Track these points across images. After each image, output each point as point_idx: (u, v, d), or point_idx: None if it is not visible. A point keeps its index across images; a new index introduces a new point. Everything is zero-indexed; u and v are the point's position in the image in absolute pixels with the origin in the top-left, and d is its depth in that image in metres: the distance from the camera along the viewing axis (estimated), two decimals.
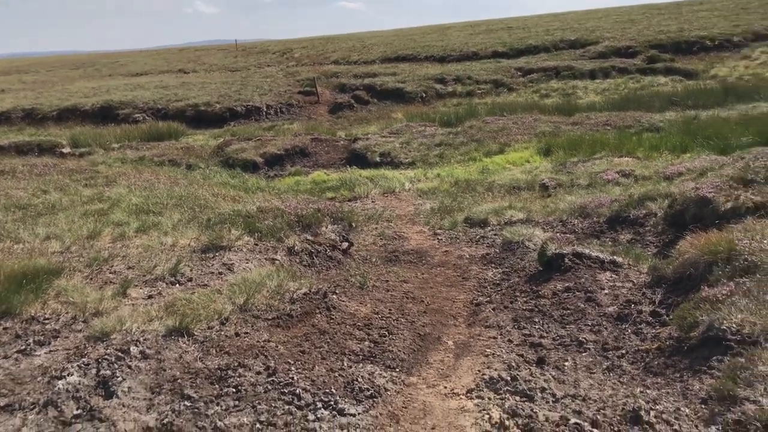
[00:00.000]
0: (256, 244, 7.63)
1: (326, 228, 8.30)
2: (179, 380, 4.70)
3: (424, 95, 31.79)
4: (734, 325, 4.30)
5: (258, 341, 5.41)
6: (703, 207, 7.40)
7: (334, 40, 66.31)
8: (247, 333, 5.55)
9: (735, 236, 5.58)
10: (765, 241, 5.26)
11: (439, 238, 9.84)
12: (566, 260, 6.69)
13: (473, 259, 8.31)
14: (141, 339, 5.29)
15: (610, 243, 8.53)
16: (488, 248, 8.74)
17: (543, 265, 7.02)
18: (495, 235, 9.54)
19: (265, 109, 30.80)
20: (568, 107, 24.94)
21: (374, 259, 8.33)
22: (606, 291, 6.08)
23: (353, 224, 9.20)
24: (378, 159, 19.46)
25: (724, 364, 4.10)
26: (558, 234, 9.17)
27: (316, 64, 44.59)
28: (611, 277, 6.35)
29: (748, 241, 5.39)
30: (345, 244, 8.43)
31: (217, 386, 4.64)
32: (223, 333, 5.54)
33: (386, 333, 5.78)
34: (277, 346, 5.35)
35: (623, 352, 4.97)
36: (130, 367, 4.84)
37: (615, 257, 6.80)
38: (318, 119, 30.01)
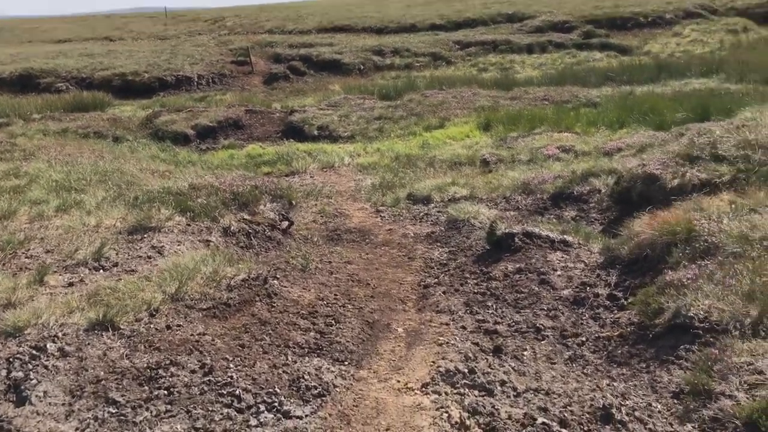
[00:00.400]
0: (189, 225, 7.09)
1: (264, 206, 7.79)
2: (103, 382, 4.22)
3: (362, 67, 31.23)
4: (702, 312, 4.11)
5: (192, 335, 4.94)
6: (651, 184, 7.27)
7: (268, 9, 64.59)
8: (179, 326, 5.07)
9: (692, 216, 5.42)
10: (724, 221, 5.11)
11: (382, 215, 9.49)
12: (516, 240, 6.45)
13: (418, 238, 7.99)
14: (60, 334, 4.73)
15: (555, 220, 8.37)
16: (433, 226, 8.44)
17: (492, 245, 6.75)
18: (439, 212, 9.25)
19: (196, 79, 29.66)
20: (506, 82, 24.87)
21: (316, 239, 7.90)
22: (559, 272, 5.86)
23: (293, 202, 8.66)
24: (316, 132, 18.92)
25: (693, 354, 3.91)
26: (503, 211, 8.96)
27: (249, 34, 43.26)
28: (562, 257, 6.13)
29: (707, 221, 5.24)
30: (285, 224, 7.98)
31: (146, 388, 4.18)
32: (152, 326, 5.04)
33: (333, 321, 5.41)
34: (213, 340, 4.90)
35: (583, 339, 4.75)
36: (46, 367, 4.31)
37: (565, 236, 6.59)
38: (252, 90, 29.10)
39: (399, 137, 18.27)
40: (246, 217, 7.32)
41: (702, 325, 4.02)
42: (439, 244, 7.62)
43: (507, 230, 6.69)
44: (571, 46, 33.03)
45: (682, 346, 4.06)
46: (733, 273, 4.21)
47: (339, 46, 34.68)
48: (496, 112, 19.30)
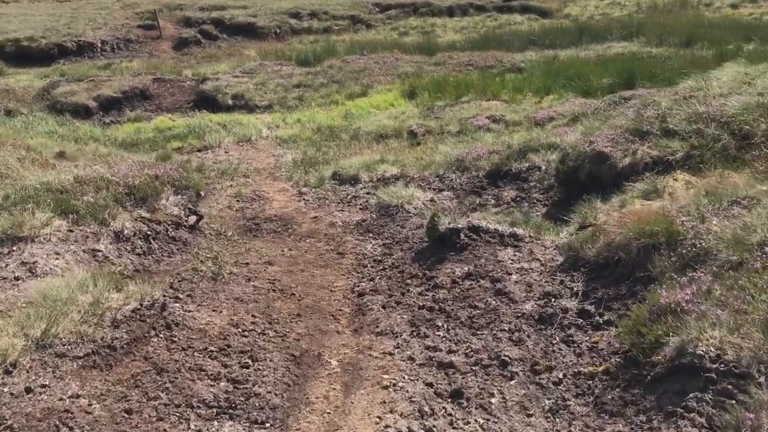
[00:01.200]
0: (71, 231, 5.85)
1: (167, 200, 6.72)
2: None
3: (278, 31, 29.80)
4: (713, 349, 3.23)
5: (61, 399, 3.83)
6: (600, 163, 6.68)
7: None
8: (45, 386, 3.92)
9: (670, 212, 4.73)
10: (713, 222, 4.42)
11: (306, 198, 8.64)
12: (462, 236, 5.72)
13: (347, 227, 7.17)
14: None
15: (493, 201, 7.72)
16: (363, 212, 7.64)
17: (433, 240, 6.01)
18: (368, 194, 8.47)
19: (99, 46, 27.59)
20: (428, 46, 24.10)
21: (230, 233, 6.92)
22: (515, 277, 5.11)
23: (202, 192, 7.46)
24: (230, 102, 17.70)
25: (708, 407, 3.04)
26: (437, 192, 8.26)
27: None
28: (515, 255, 5.41)
29: (690, 220, 4.56)
30: (193, 218, 6.97)
31: None
32: (7, 390, 3.85)
33: (249, 361, 4.42)
34: (90, 405, 3.79)
35: (560, 375, 3.91)
36: None
37: (515, 229, 5.82)
38: (161, 56, 27.30)
39: (320, 106, 17.30)
40: (144, 215, 6.23)
41: (715, 366, 3.25)
42: (371, 234, 6.82)
43: (451, 225, 5.89)
44: (492, 9, 32.55)
45: (692, 395, 3.29)
46: (738, 291, 3.52)
47: (253, 8, 32.98)
48: (420, 79, 18.55)
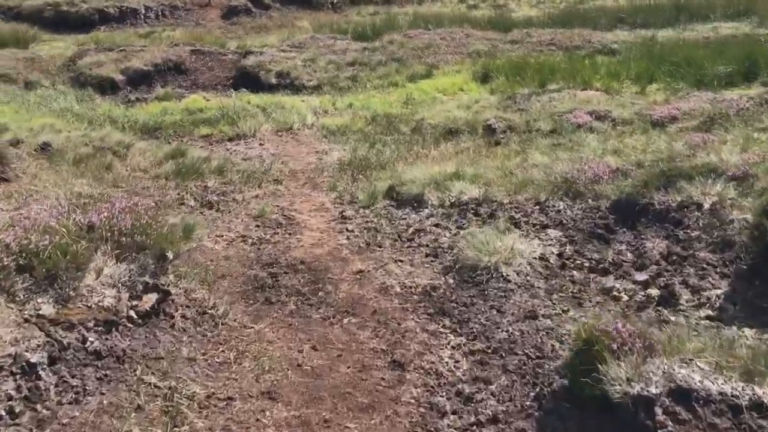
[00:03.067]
0: None
1: (100, 275, 3.94)
2: None
3: (335, 1, 27.24)
4: None
5: None
6: None
7: None
8: None
9: None
10: None
11: (350, 229, 6.15)
12: (658, 414, 2.98)
13: (409, 299, 4.59)
14: None
15: (630, 257, 5.04)
16: (433, 266, 5.06)
17: (581, 401, 3.27)
18: (439, 228, 5.94)
19: (143, 12, 25.51)
20: (503, 22, 21.23)
21: (223, 306, 4.27)
22: None
23: (168, 253, 4.45)
24: (274, 80, 15.32)
25: None
26: (540, 231, 5.66)
27: None
28: None
29: None
30: (150, 299, 4.10)
31: None
32: None
33: None
34: None
35: None
36: None
37: (755, 390, 3.05)
38: (208, 26, 25.10)
39: (377, 89, 14.79)
40: (45, 311, 3.58)
41: None
42: (448, 322, 4.13)
43: (641, 390, 2.98)
44: None
45: None
46: None
47: None
48: (494, 59, 15.81)
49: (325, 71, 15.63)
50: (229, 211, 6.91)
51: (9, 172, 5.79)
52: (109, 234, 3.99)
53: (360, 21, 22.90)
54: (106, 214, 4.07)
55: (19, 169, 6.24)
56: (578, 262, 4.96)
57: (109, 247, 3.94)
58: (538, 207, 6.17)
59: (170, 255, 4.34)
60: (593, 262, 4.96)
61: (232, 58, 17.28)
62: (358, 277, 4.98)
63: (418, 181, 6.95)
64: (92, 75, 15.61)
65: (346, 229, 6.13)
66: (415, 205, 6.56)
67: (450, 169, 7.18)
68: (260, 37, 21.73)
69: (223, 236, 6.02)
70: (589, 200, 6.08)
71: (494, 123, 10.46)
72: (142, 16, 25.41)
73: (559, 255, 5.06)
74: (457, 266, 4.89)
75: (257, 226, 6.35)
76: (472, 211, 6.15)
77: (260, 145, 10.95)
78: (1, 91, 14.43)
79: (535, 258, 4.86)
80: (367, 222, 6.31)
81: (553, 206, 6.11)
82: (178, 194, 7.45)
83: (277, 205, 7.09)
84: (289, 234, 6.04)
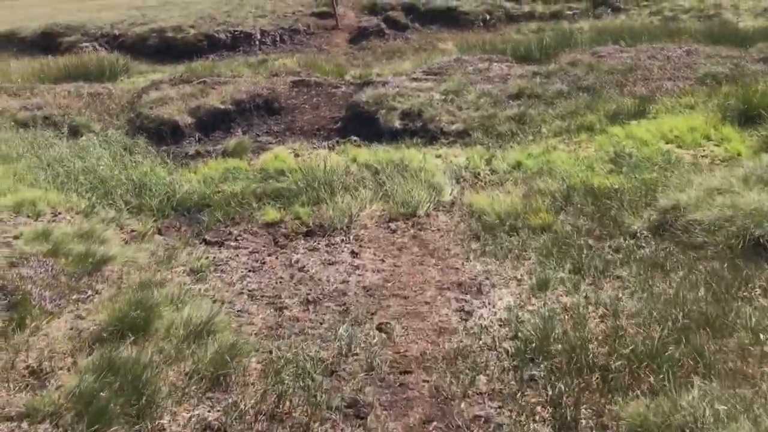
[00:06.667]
0: None
1: None
2: None
3: (487, 17, 21.95)
4: None
5: None
6: None
7: None
8: None
9: None
10: None
11: None
12: None
13: None
14: None
15: None
16: None
17: None
18: None
19: (258, 37, 21.57)
20: (730, 34, 14.88)
21: None
22: None
23: None
24: (398, 123, 10.18)
25: None
26: None
27: None
28: None
29: None
30: None
31: None
32: None
33: None
34: None
35: None
36: None
37: None
38: (332, 51, 20.66)
39: (559, 135, 9.24)
40: None
41: None
42: None
43: None
44: None
45: None
46: None
47: None
48: (751, 87, 9.77)
49: (475, 108, 10.29)
50: None
51: None
52: None
53: (521, 40, 17.43)
54: None
55: None
56: None
57: None
58: None
59: None
60: None
61: (346, 91, 12.38)
62: None
63: None
64: (151, 117, 11.24)
65: None
66: None
67: None
68: (392, 63, 16.81)
69: None
70: None
71: None
72: (257, 42, 21.48)
73: None
74: None
75: None
76: None
77: (353, 254, 5.80)
78: (23, 140, 10.36)
79: None
80: None
81: None
82: None
83: None
84: None
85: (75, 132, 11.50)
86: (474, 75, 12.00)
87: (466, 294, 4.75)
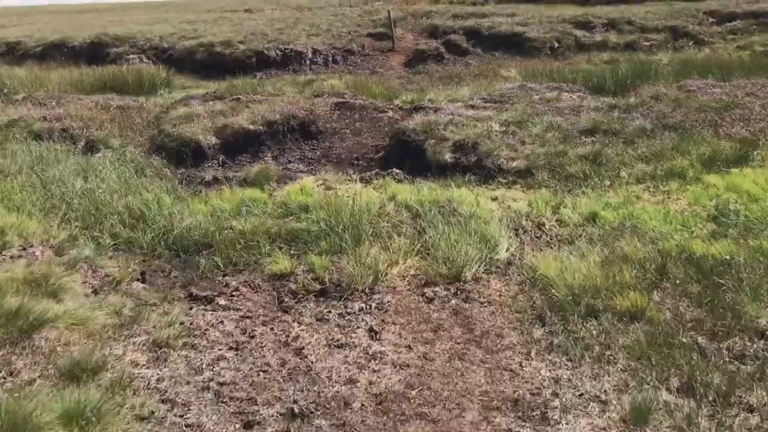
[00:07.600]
0: None
1: None
2: None
3: (555, 45, 20.34)
4: None
5: None
6: None
7: None
8: None
9: None
10: None
11: None
12: None
13: None
14: None
15: None
16: None
17: None
18: None
19: (309, 56, 20.47)
20: None
21: None
22: None
23: None
24: (449, 157, 8.69)
25: None
26: None
27: (409, 3, 33.38)
28: None
29: None
30: None
31: None
32: None
33: None
34: None
35: None
36: None
37: None
38: (386, 74, 19.37)
39: (642, 183, 7.61)
40: None
41: None
42: None
43: None
44: None
45: None
46: None
47: (523, 16, 23.91)
48: None
49: (541, 143, 8.74)
50: None
51: None
52: None
53: (592, 70, 15.76)
54: None
55: None
56: None
57: None
58: None
59: None
60: None
61: (393, 116, 11.00)
62: None
63: None
64: (173, 135, 10.05)
65: None
66: None
67: None
68: (448, 88, 15.32)
69: None
70: None
71: None
72: (308, 61, 20.38)
73: None
74: None
75: None
76: None
77: (371, 333, 4.36)
78: (29, 154, 9.26)
79: None
80: None
81: None
82: None
83: None
84: None
85: (91, 147, 10.38)
86: (540, 105, 10.46)
87: (525, 422, 3.22)
